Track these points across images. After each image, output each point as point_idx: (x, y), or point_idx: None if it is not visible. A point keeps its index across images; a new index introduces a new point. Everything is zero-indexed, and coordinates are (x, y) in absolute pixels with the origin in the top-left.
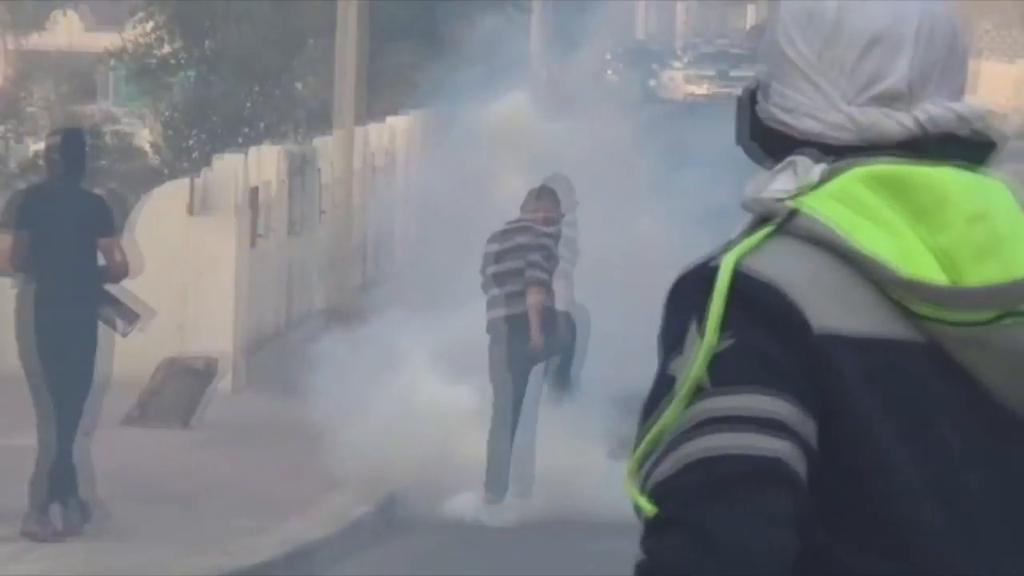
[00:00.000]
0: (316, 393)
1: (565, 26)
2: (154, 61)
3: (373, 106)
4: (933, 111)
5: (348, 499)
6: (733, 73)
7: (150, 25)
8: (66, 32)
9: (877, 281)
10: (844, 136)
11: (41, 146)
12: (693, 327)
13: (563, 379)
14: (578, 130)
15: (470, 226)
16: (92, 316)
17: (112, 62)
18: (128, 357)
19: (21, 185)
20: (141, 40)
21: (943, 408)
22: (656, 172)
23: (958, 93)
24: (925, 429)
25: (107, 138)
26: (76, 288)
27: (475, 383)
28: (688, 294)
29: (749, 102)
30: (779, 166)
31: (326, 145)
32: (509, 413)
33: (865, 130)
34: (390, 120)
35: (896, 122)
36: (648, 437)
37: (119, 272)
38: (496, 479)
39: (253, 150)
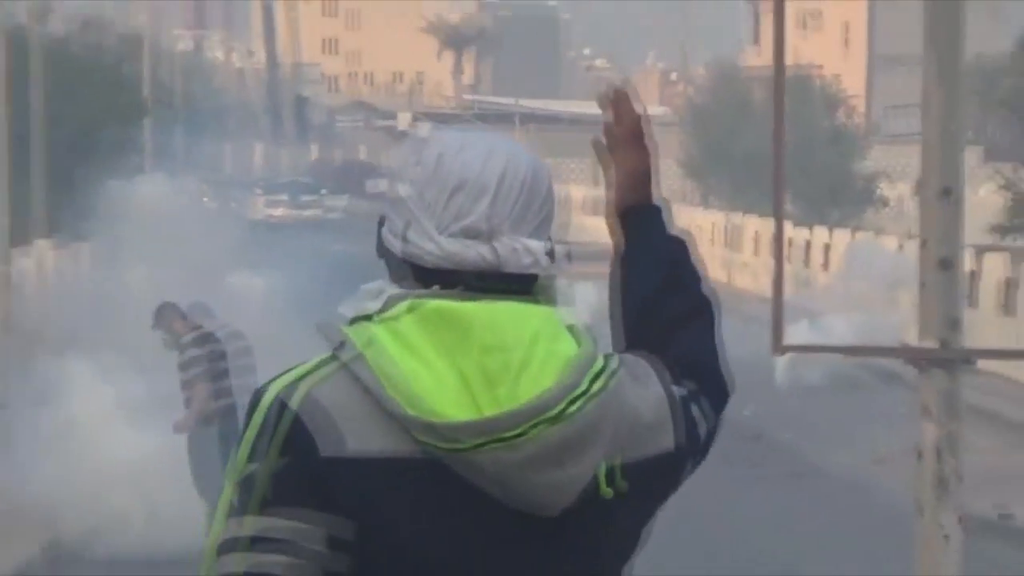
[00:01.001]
0: None
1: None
2: None
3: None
4: (506, 247)
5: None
6: (303, 198)
7: None
8: None
9: (391, 411)
10: (434, 260)
11: None
12: (236, 449)
13: None
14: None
15: None
16: None
17: None
18: None
19: None
20: None
21: (452, 509)
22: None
23: (540, 230)
24: (436, 527)
25: None
26: None
27: None
28: (246, 416)
29: (378, 227)
30: (361, 290)
31: None
32: None
33: (450, 257)
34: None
35: (476, 253)
36: (204, 550)
37: None
38: None
39: None
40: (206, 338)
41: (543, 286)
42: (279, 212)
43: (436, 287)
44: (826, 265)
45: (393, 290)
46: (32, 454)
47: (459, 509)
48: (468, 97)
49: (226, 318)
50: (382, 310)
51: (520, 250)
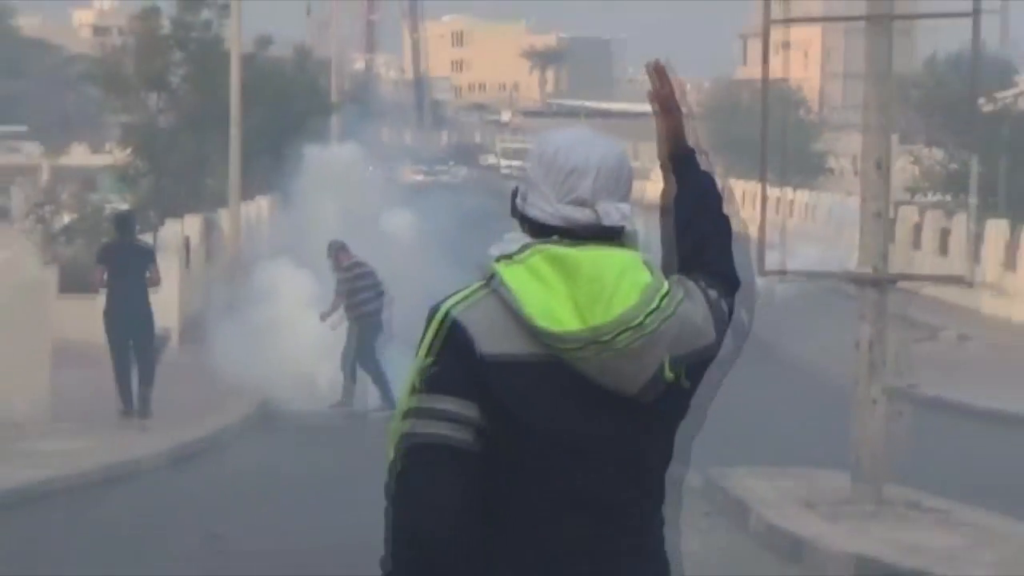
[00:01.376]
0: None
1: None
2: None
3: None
4: (603, 209)
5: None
6: (437, 168)
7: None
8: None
9: (525, 324)
10: (553, 222)
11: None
12: (417, 346)
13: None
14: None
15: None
16: (146, 298)
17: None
18: None
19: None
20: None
21: (567, 393)
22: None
23: (624, 197)
24: (558, 411)
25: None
26: (139, 289)
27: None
28: (425, 324)
29: (511, 196)
30: (504, 238)
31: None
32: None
33: (567, 218)
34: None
35: (583, 214)
36: (394, 413)
37: (156, 282)
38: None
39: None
40: (352, 267)
41: (627, 235)
42: (420, 178)
43: (555, 237)
44: (791, 214)
45: (526, 239)
46: (246, 340)
47: (571, 392)
48: (549, 100)
49: (376, 253)
50: (519, 252)
51: (612, 211)
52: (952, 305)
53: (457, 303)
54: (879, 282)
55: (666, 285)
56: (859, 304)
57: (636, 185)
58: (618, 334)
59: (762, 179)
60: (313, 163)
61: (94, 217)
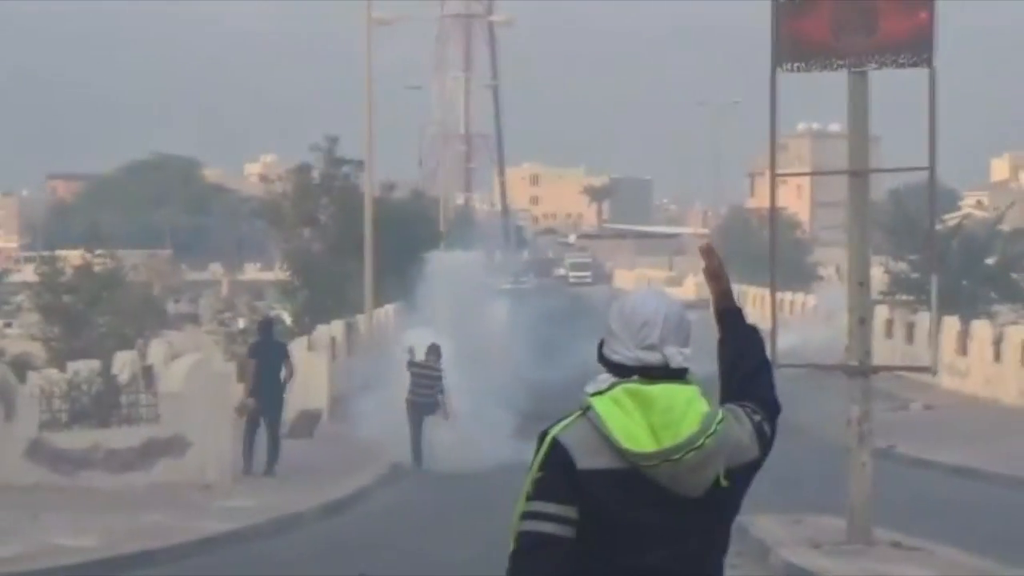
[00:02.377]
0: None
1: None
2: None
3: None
4: (669, 353)
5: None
6: (521, 278)
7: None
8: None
9: (612, 444)
10: (631, 363)
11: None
12: (531, 466)
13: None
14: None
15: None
16: (280, 385)
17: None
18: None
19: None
20: (283, 277)
21: (644, 497)
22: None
23: (685, 341)
24: (637, 510)
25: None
26: (276, 378)
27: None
28: (536, 444)
29: (598, 347)
30: (597, 379)
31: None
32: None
33: (641, 360)
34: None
35: (654, 357)
36: (515, 513)
37: (292, 373)
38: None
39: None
40: (420, 365)
41: (690, 372)
42: (508, 286)
43: (635, 377)
44: (792, 313)
45: (612, 379)
46: (377, 392)
47: (647, 496)
48: (604, 225)
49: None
50: (607, 388)
51: (676, 355)
52: (919, 382)
53: (560, 428)
54: (864, 372)
55: (720, 413)
56: (849, 389)
57: (671, 290)
58: (685, 454)
59: (772, 290)
60: (435, 265)
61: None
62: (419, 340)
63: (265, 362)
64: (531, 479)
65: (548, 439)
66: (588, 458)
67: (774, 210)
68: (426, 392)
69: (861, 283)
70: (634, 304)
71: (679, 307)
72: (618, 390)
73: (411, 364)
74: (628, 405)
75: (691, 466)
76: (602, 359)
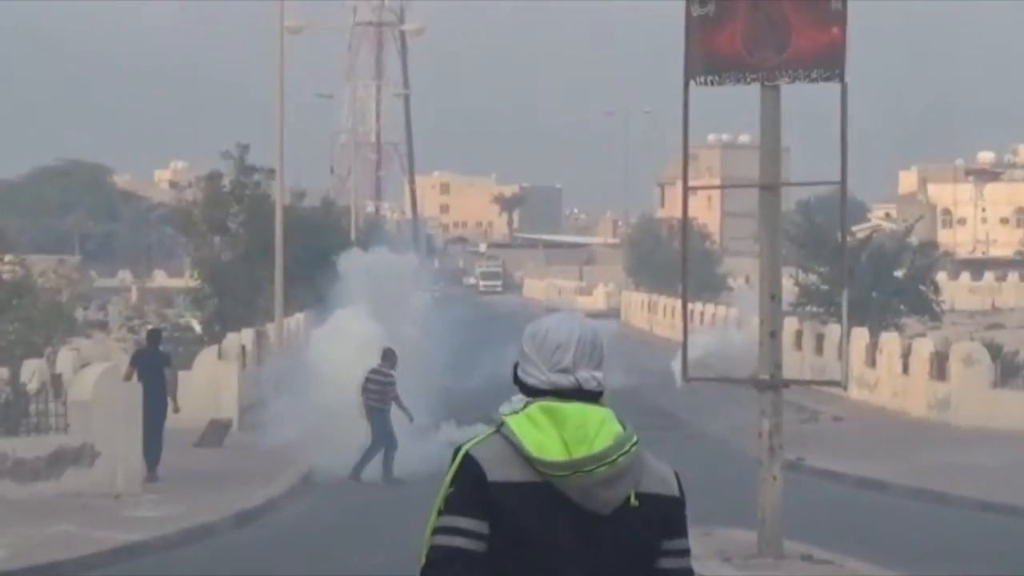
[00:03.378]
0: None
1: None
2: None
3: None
4: (582, 376)
5: None
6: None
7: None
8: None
9: (525, 456)
10: (544, 387)
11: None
12: (442, 479)
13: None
14: None
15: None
16: (163, 396)
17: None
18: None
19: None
20: (193, 285)
21: (555, 511)
22: None
23: (599, 365)
24: (548, 525)
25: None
26: (158, 384)
27: None
28: (451, 460)
29: (513, 369)
30: (512, 400)
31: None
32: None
33: (554, 384)
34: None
35: (567, 380)
36: (427, 528)
37: (172, 384)
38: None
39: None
40: (373, 371)
41: (602, 395)
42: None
43: (549, 397)
44: (703, 323)
45: (527, 400)
46: (288, 401)
47: (558, 511)
48: (514, 234)
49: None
50: (522, 408)
51: (590, 378)
52: (828, 394)
53: (473, 443)
54: (775, 386)
55: (636, 437)
56: (760, 402)
57: (580, 300)
58: (597, 467)
59: (684, 301)
60: (346, 265)
61: (172, 329)
62: (334, 335)
63: (147, 370)
64: (442, 494)
65: (461, 454)
66: (500, 471)
67: (686, 221)
68: (375, 398)
69: (773, 296)
70: (548, 327)
71: (593, 331)
72: (532, 407)
73: (371, 371)
74: (541, 420)
75: (602, 481)
76: (517, 381)
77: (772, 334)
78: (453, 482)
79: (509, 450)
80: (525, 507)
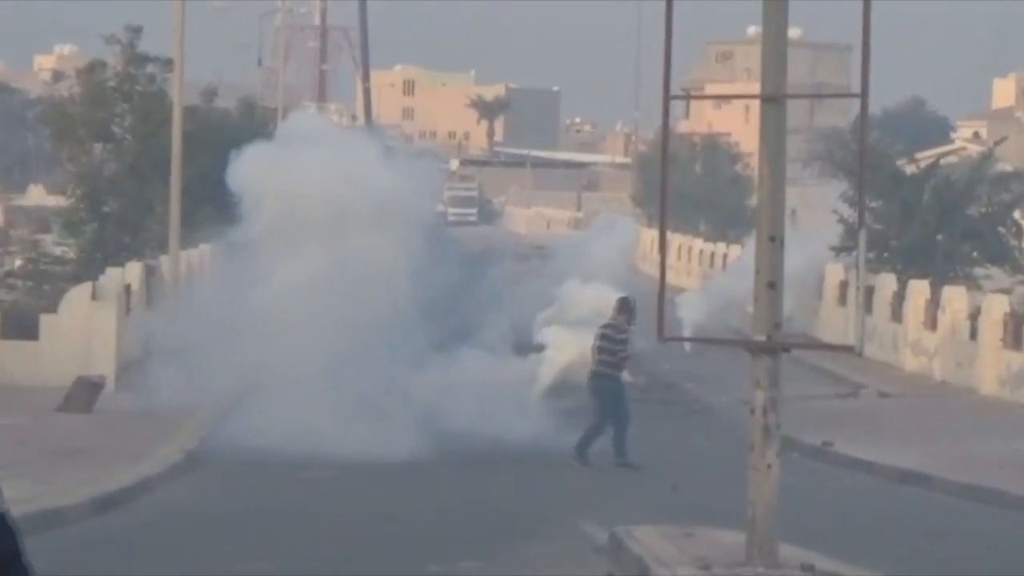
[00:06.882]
0: None
1: None
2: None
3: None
4: None
5: None
6: None
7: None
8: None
9: None
10: None
11: None
12: None
13: None
14: None
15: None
16: None
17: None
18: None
19: None
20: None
21: None
22: None
23: None
24: None
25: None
26: None
27: None
28: None
29: None
30: None
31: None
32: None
33: None
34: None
35: None
36: None
37: None
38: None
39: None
40: (605, 326)
41: None
42: None
43: None
44: (724, 267)
45: None
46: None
47: None
48: (496, 149)
49: None
50: None
51: None
52: (877, 362)
53: None
54: (772, 349)
55: None
56: (752, 371)
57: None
58: None
59: (661, 236)
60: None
61: (43, 261)
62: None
63: None
64: None
65: None
66: None
67: (666, 147)
68: (606, 360)
69: (772, 238)
70: None
71: None
72: None
73: (603, 326)
74: None
75: None
76: None
77: (771, 284)
78: None
79: None
80: None
